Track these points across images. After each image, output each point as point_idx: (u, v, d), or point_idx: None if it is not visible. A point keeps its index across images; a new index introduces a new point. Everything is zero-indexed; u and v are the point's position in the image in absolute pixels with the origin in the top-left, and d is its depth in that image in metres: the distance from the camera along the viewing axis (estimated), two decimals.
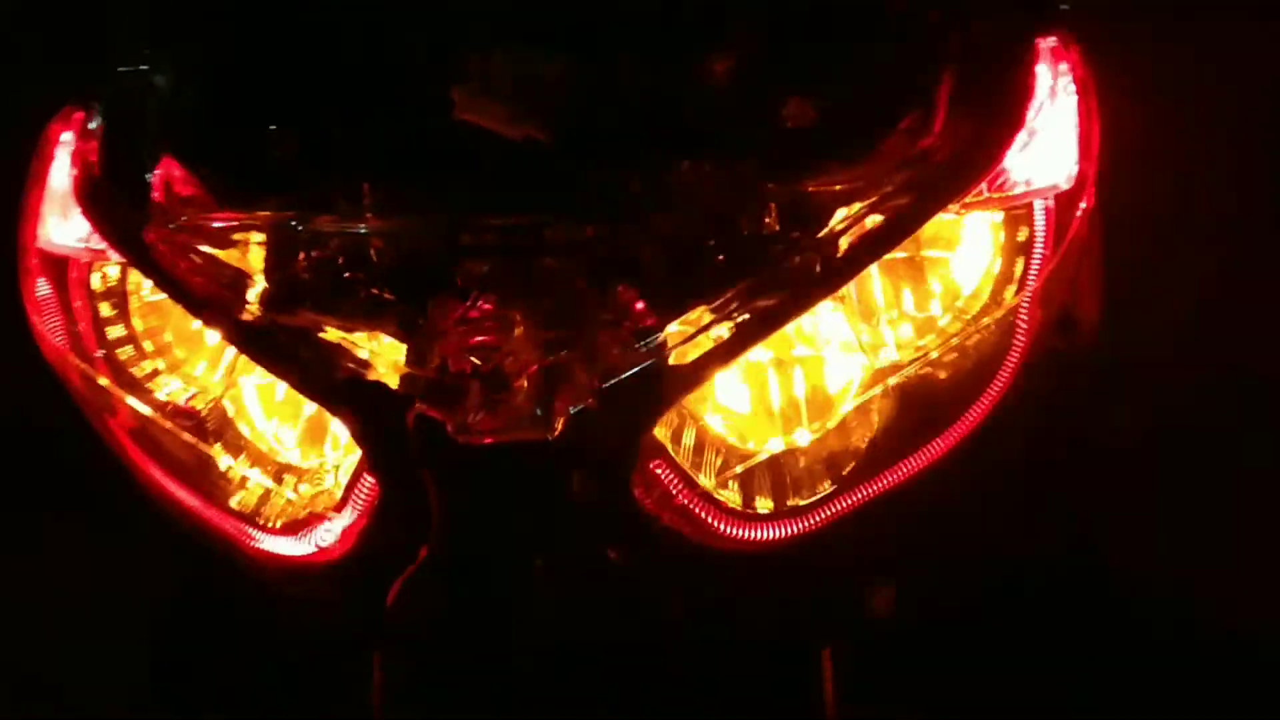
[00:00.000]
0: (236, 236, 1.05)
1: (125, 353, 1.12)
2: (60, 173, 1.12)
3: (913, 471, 1.03)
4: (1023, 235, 1.06)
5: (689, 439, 1.04)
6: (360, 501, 1.02)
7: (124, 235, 1.07)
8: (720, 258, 1.01)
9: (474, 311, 0.97)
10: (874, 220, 1.01)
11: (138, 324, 1.13)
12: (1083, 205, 1.06)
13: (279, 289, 1.03)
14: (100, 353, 1.11)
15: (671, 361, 0.98)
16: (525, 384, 0.96)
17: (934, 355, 1.05)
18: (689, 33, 1.03)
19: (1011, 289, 1.05)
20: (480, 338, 0.96)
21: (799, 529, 1.02)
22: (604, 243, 1.00)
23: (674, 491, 1.01)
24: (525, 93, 1.00)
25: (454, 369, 0.96)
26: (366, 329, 1.00)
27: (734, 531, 1.02)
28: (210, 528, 1.08)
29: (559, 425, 0.95)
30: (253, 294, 1.04)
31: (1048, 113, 1.05)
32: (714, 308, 0.99)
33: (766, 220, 1.02)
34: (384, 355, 1.00)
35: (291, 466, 1.09)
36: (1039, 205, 1.05)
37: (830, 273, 1.00)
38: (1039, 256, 1.05)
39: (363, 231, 1.01)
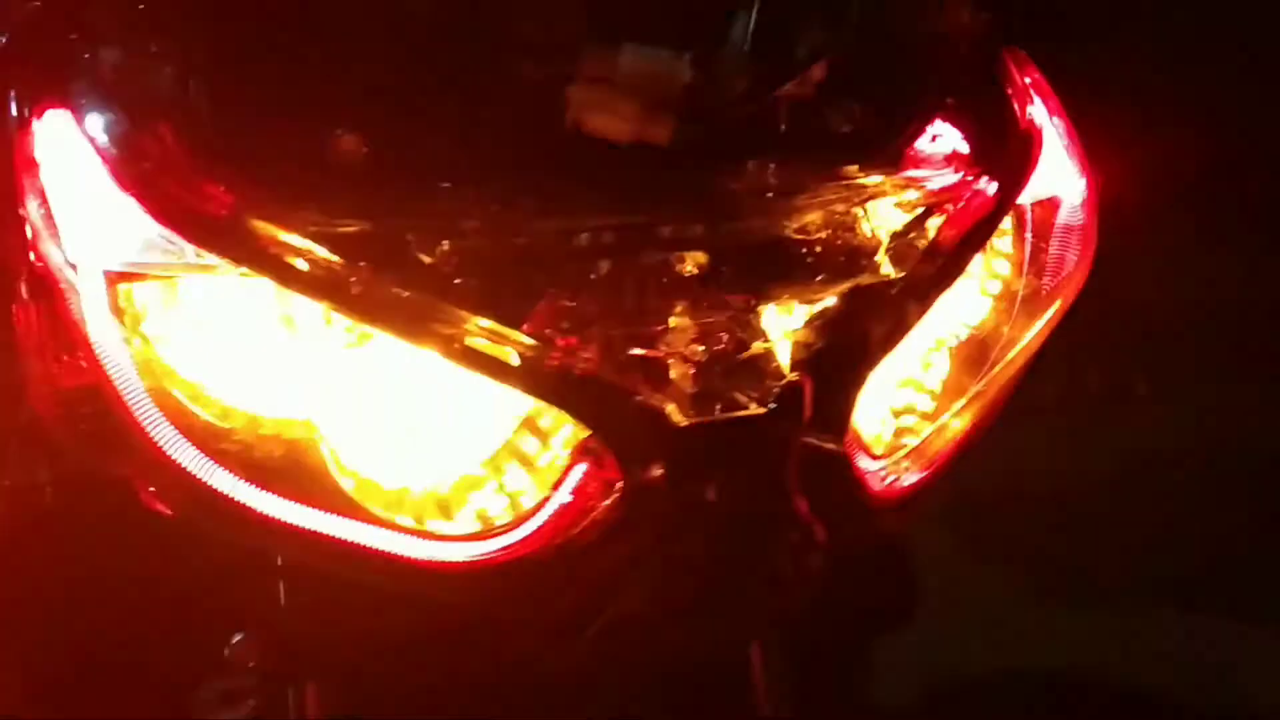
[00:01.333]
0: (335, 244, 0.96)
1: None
2: (69, 180, 0.95)
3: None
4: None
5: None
6: (574, 492, 0.98)
7: (225, 237, 0.93)
8: (819, 253, 1.07)
9: (627, 302, 1.00)
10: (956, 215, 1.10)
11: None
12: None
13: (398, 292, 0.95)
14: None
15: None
16: (731, 363, 0.99)
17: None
18: (796, 36, 1.06)
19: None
20: (695, 323, 0.99)
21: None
22: (714, 240, 1.03)
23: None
24: (650, 92, 1.00)
25: (669, 356, 0.98)
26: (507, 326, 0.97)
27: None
28: (347, 546, 0.96)
29: (774, 399, 0.98)
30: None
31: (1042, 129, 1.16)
32: (821, 300, 1.04)
33: (855, 219, 1.09)
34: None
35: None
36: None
37: (947, 262, 1.07)
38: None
39: (484, 234, 0.98)
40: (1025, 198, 1.15)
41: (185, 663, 1.22)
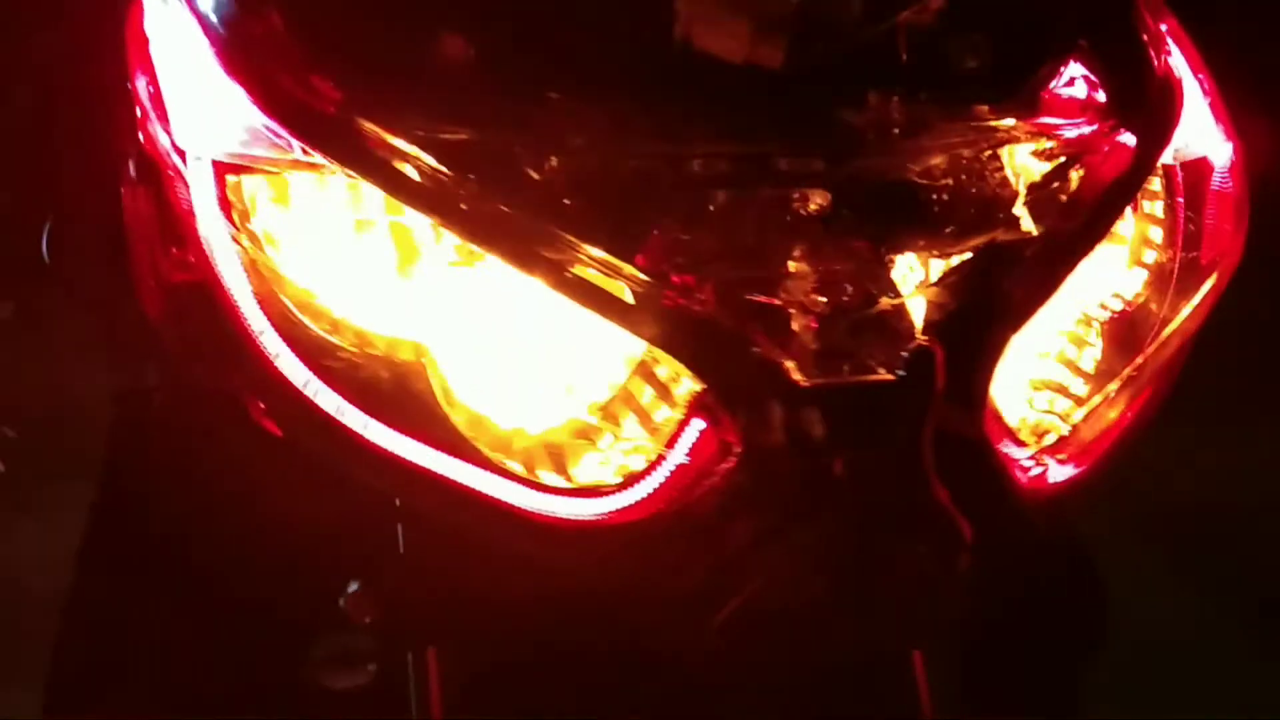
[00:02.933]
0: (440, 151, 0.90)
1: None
2: (177, 60, 0.92)
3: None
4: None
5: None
6: (690, 453, 0.90)
7: (332, 137, 0.87)
8: (949, 201, 0.98)
9: (744, 240, 0.92)
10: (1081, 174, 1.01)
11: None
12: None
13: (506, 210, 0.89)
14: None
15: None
16: (857, 318, 0.91)
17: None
18: None
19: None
20: (817, 269, 0.91)
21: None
22: (834, 178, 0.96)
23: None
24: (761, 8, 0.93)
25: (789, 306, 0.90)
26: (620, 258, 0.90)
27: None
28: (461, 490, 0.89)
29: (904, 364, 0.90)
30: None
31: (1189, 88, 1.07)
32: (952, 255, 0.96)
33: (989, 165, 1.00)
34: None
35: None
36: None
37: (1091, 221, 0.99)
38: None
39: (593, 152, 0.92)
40: (1171, 157, 1.06)
41: (299, 607, 1.11)
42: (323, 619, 1.08)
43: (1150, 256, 1.07)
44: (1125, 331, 1.05)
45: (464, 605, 1.01)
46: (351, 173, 0.88)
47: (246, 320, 0.88)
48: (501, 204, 0.89)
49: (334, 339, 0.90)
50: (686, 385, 0.91)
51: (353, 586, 1.05)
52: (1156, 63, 1.07)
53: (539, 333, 0.93)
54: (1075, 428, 1.02)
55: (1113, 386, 1.03)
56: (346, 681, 1.15)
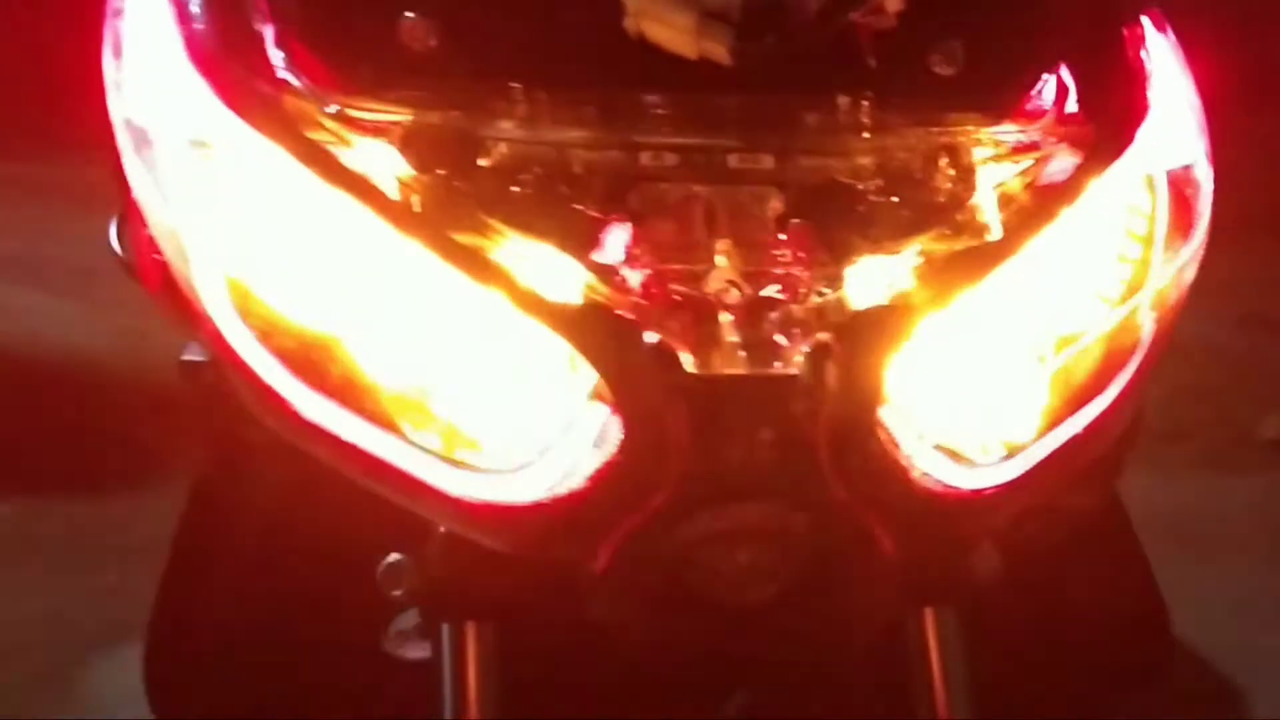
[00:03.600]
0: (384, 133, 0.95)
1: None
2: (151, 36, 0.96)
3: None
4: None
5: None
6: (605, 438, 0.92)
7: (272, 118, 0.92)
8: (893, 205, 1.00)
9: (678, 234, 0.95)
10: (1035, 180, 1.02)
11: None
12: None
13: (450, 196, 0.94)
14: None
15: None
16: (753, 311, 0.94)
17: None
18: None
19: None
20: (743, 265, 0.94)
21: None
22: (781, 176, 0.98)
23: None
24: (708, 5, 0.94)
25: (705, 299, 0.93)
26: (547, 244, 0.95)
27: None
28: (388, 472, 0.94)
29: (800, 359, 0.92)
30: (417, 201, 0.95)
31: (1164, 88, 1.06)
32: (892, 256, 0.97)
33: (939, 171, 1.01)
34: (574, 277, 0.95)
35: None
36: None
37: (1017, 231, 0.99)
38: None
39: (542, 141, 0.96)
40: (1151, 168, 1.04)
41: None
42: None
43: (1118, 268, 1.04)
44: (1086, 352, 1.03)
45: (495, 579, 1.03)
46: (289, 154, 0.91)
47: (202, 301, 0.92)
48: (443, 190, 0.93)
49: (273, 316, 0.93)
50: (588, 373, 0.92)
51: (392, 558, 1.05)
52: (1131, 71, 1.05)
53: (453, 316, 0.95)
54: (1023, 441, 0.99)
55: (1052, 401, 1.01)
56: (418, 653, 1.18)
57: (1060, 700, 1.41)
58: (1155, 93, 1.05)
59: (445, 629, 1.07)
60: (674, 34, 0.94)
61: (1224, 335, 3.33)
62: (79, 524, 2.38)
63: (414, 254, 0.92)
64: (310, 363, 0.93)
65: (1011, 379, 1.03)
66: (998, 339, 1.02)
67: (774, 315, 0.95)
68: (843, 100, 0.99)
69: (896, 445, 0.94)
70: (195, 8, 0.95)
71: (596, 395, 0.92)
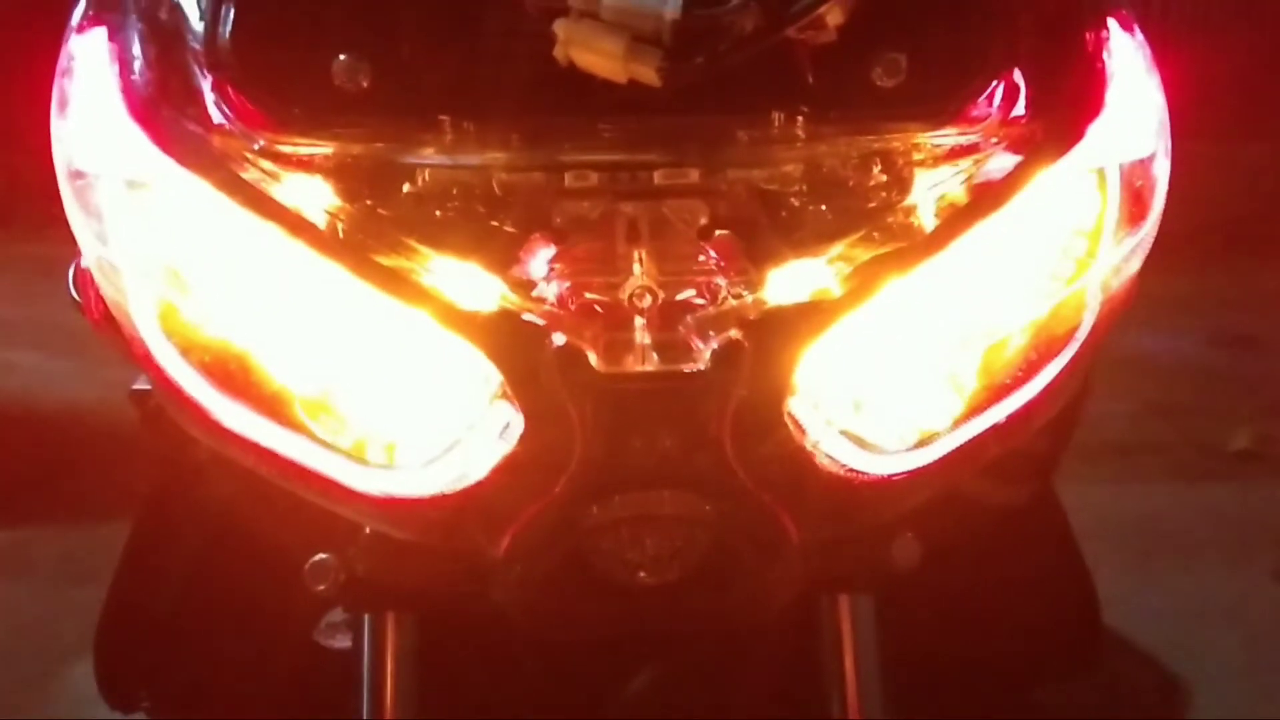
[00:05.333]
0: (314, 167, 0.99)
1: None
2: (92, 90, 0.99)
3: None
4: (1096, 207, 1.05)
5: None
6: (508, 434, 0.96)
7: (199, 156, 0.96)
8: (823, 212, 1.02)
9: (599, 248, 0.98)
10: (973, 181, 1.02)
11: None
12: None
13: (374, 221, 0.98)
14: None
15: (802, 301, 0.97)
16: (667, 315, 0.97)
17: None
18: None
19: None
20: (659, 272, 0.97)
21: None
22: (708, 190, 1.00)
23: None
24: (639, 30, 0.96)
25: (618, 304, 0.96)
26: (469, 262, 0.97)
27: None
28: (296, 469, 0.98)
29: (707, 356, 0.94)
30: (341, 226, 0.99)
31: (1124, 88, 1.06)
32: (817, 262, 0.98)
33: (871, 178, 1.02)
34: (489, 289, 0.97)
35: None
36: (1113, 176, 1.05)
37: (941, 230, 1.00)
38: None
39: (464, 166, 0.98)
40: (1103, 163, 1.04)
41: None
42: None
43: (1057, 265, 1.04)
44: (1017, 342, 1.04)
45: (416, 572, 1.09)
46: (213, 188, 0.95)
47: (133, 322, 0.98)
48: (367, 216, 0.97)
49: (195, 334, 0.98)
50: (495, 375, 0.95)
51: (318, 557, 1.11)
52: (1088, 72, 1.05)
53: (364, 327, 0.99)
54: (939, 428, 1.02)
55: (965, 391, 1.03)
56: (346, 643, 1.23)
57: (986, 682, 1.43)
58: (1113, 92, 1.05)
59: (367, 620, 1.13)
60: (602, 59, 0.95)
61: (1194, 350, 3.36)
62: (69, 547, 2.64)
63: (330, 273, 0.95)
64: (228, 374, 0.97)
65: (935, 370, 1.05)
66: (921, 331, 1.03)
67: (689, 319, 0.97)
68: (776, 115, 1.00)
69: (803, 432, 0.97)
70: (136, 63, 0.99)
71: (503, 395, 0.95)
